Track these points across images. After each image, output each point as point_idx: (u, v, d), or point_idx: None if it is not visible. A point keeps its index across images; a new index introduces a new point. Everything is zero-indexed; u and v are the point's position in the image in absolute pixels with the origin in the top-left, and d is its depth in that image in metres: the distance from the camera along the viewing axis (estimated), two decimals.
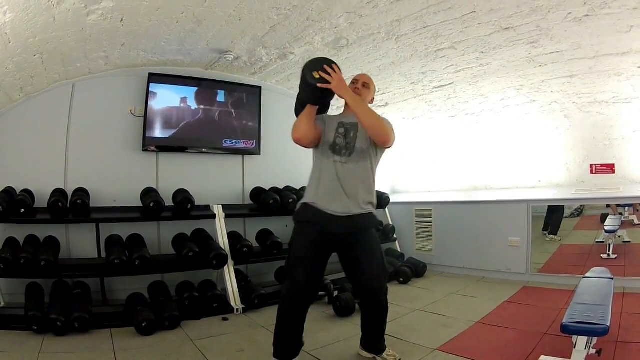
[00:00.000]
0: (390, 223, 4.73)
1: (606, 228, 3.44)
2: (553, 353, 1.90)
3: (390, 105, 4.58)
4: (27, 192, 3.07)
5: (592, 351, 1.73)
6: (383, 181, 5.09)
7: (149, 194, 3.39)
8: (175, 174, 3.80)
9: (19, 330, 2.49)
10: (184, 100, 3.85)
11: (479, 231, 4.13)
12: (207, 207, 3.62)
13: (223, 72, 4.06)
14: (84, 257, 3.25)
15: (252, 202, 4.03)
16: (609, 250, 3.37)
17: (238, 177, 4.23)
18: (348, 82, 2.01)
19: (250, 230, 3.94)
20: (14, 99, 3.25)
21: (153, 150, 3.73)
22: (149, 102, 3.66)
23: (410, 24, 2.95)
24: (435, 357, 2.14)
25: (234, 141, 4.10)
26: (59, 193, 3.12)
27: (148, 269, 2.99)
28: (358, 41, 3.26)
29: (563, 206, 3.70)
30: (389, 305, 2.07)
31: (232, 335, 2.59)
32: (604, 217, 3.49)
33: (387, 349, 2.11)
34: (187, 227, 3.54)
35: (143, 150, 3.67)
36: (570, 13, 2.59)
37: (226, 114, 4.08)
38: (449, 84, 3.94)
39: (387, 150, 2.05)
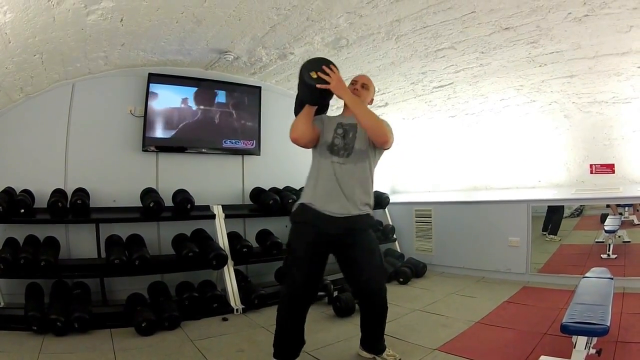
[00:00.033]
0: (390, 223, 4.73)
1: (606, 228, 3.44)
2: (553, 353, 1.90)
3: (390, 105, 4.58)
4: (27, 192, 3.07)
5: (592, 351, 1.73)
6: (383, 181, 5.09)
7: (148, 194, 3.39)
8: (175, 174, 3.80)
9: (18, 330, 2.49)
10: (184, 100, 3.85)
11: (478, 231, 4.13)
12: (207, 208, 3.62)
13: (223, 72, 4.06)
14: (83, 257, 3.25)
15: (251, 203, 4.03)
16: (609, 250, 3.37)
17: (238, 177, 4.22)
18: (347, 83, 2.01)
19: (250, 230, 3.93)
20: (14, 99, 3.25)
21: (153, 151, 3.74)
22: (149, 102, 3.66)
23: (410, 24, 2.95)
24: (435, 357, 2.14)
25: (233, 141, 4.10)
26: (58, 193, 3.12)
27: (148, 269, 2.99)
28: (358, 41, 3.26)
29: (563, 206, 3.71)
30: (388, 305, 2.06)
31: (232, 336, 2.59)
32: (603, 217, 3.49)
33: (387, 349, 2.11)
34: (186, 228, 3.54)
35: (143, 151, 3.67)
36: (570, 13, 2.59)
37: (226, 114, 4.08)
38: (448, 84, 3.93)
39: (385, 151, 2.05)
